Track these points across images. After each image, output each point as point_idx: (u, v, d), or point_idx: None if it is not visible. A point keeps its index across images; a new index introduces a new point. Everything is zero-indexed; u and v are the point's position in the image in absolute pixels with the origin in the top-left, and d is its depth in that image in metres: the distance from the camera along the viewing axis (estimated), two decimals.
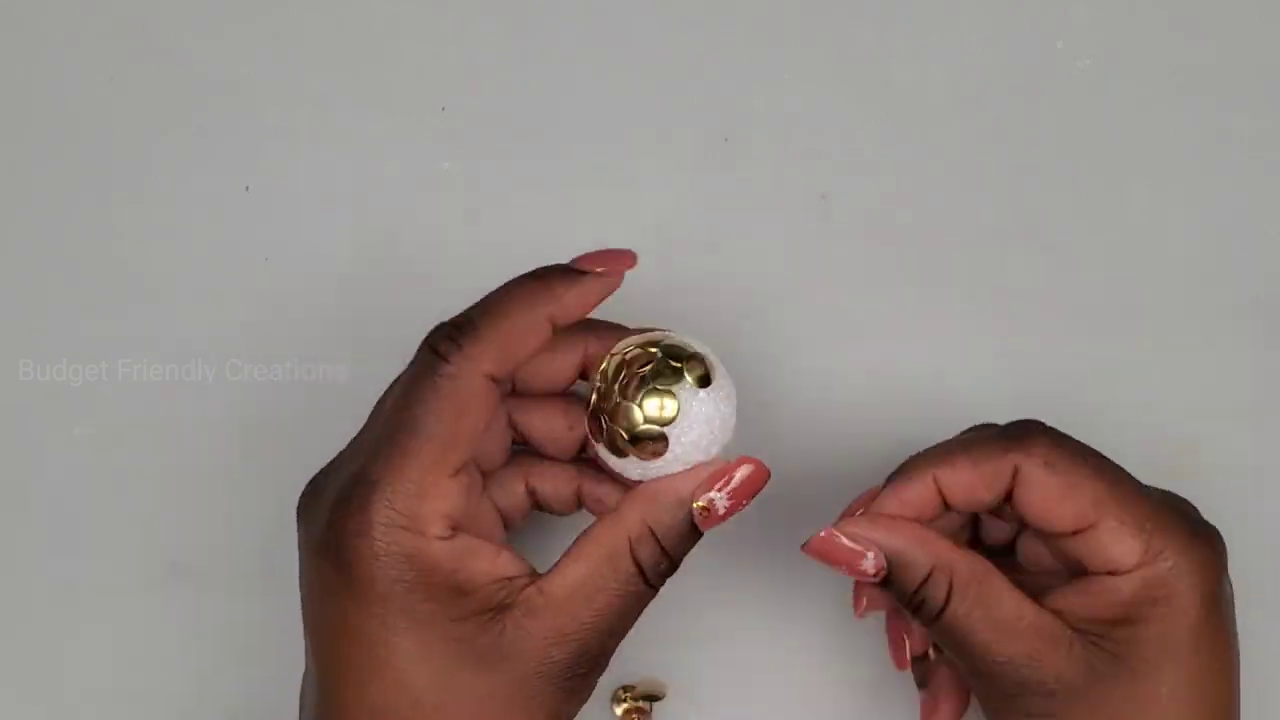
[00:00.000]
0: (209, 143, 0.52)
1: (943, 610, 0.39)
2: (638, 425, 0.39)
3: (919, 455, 0.41)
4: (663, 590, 0.51)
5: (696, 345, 0.41)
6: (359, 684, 0.38)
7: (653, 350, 0.40)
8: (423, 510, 0.37)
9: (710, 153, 0.52)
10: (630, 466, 0.40)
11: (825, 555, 0.40)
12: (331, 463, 0.41)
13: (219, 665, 0.50)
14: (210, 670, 0.50)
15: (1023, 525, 0.42)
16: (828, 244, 0.51)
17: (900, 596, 0.40)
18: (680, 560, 0.40)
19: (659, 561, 0.39)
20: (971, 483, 0.40)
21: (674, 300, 0.50)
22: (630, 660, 0.50)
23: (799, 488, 0.50)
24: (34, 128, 0.53)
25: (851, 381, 0.50)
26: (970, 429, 0.43)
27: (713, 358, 0.41)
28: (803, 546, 0.40)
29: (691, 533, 0.40)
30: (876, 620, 0.50)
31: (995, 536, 0.44)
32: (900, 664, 0.45)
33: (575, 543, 0.39)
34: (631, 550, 0.39)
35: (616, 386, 0.39)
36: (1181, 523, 0.39)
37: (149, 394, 0.51)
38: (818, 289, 0.51)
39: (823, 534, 0.40)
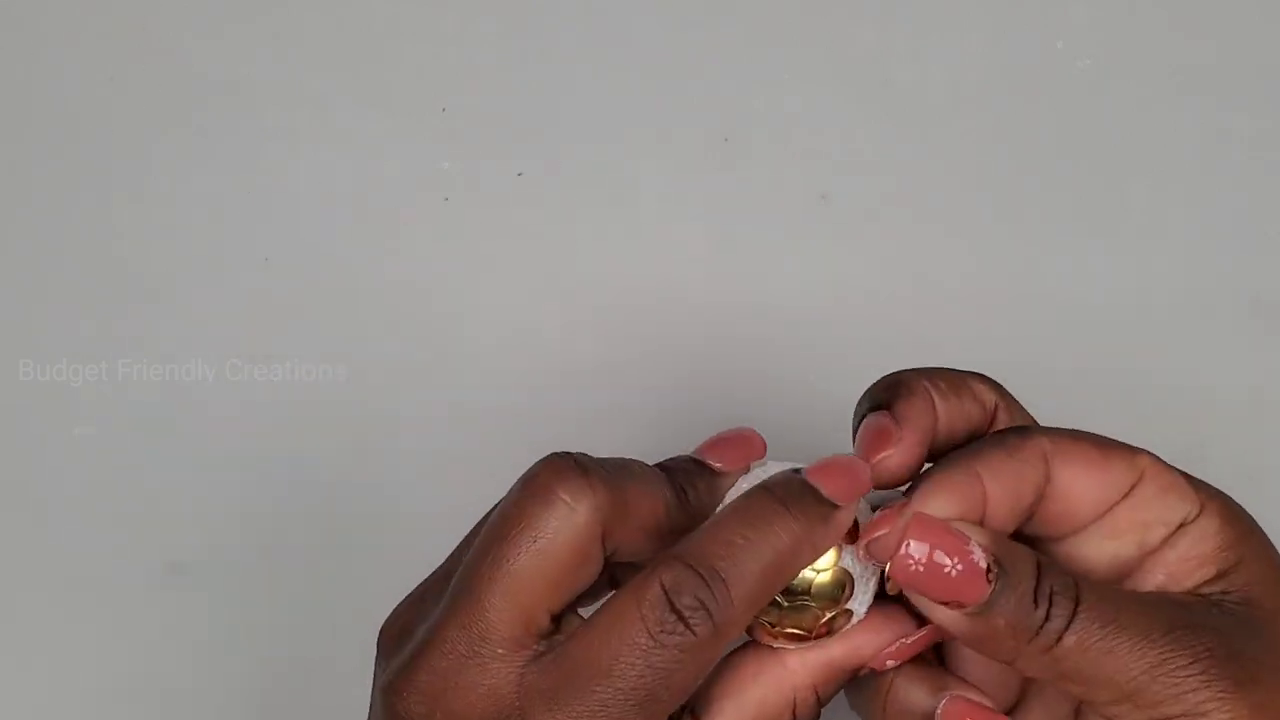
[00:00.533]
0: (209, 143, 0.52)
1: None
2: (810, 612, 0.34)
3: (951, 458, 0.36)
4: None
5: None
6: None
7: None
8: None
9: (710, 153, 0.52)
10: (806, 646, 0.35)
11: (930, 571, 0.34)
12: (421, 592, 0.36)
13: (219, 665, 0.50)
14: (210, 670, 0.50)
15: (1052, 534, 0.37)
16: (828, 244, 0.51)
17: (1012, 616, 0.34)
18: None
19: (812, 717, 0.35)
20: (1016, 475, 0.35)
21: (674, 301, 0.50)
22: None
23: None
24: (34, 128, 0.53)
25: (851, 381, 0.50)
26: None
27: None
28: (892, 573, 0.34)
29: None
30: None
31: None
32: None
33: (728, 680, 0.34)
34: (795, 713, 0.35)
35: None
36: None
37: (149, 394, 0.51)
38: (818, 289, 0.51)
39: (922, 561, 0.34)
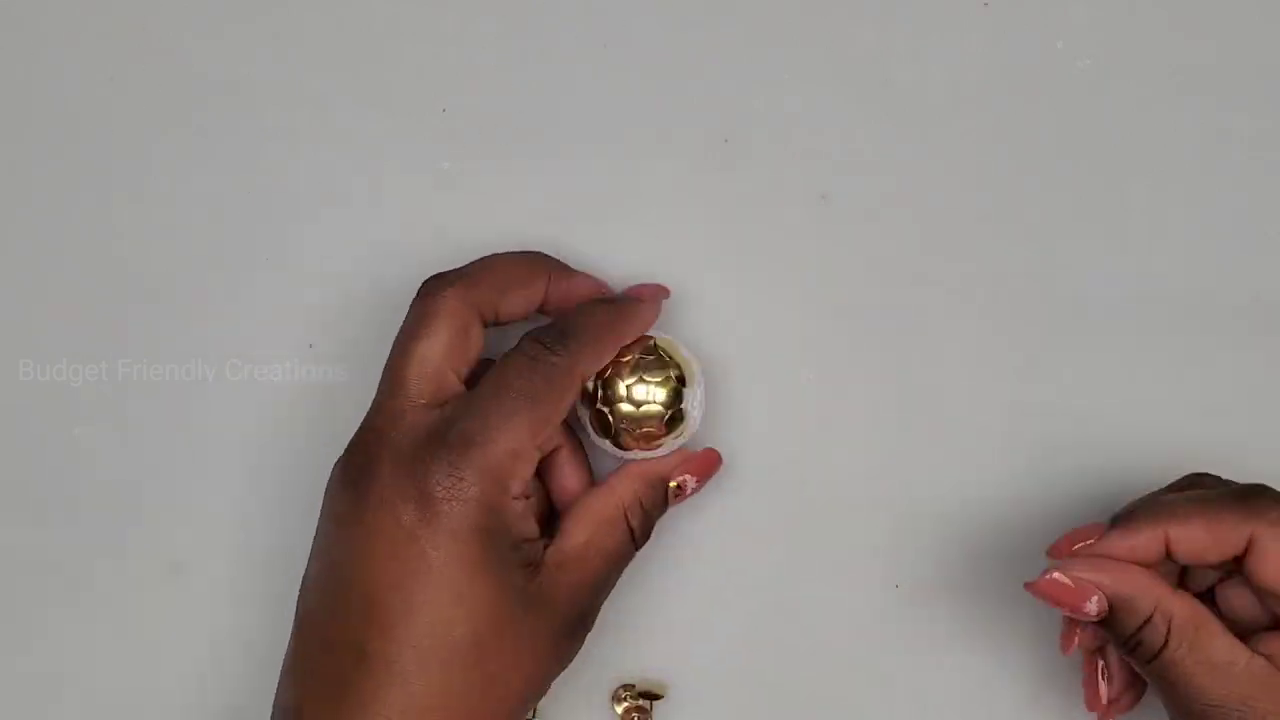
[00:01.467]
0: (209, 143, 0.52)
1: (1160, 652, 0.41)
2: (642, 418, 0.47)
3: (1148, 504, 0.43)
4: (665, 588, 0.51)
5: (682, 350, 0.48)
6: (417, 609, 0.42)
7: (648, 357, 0.47)
8: (515, 472, 0.43)
9: (710, 153, 0.52)
10: (629, 455, 0.48)
11: (1051, 596, 0.42)
12: (418, 420, 0.44)
13: (219, 665, 0.50)
14: (210, 670, 0.50)
15: (1242, 580, 0.43)
16: (828, 244, 0.51)
17: (1117, 638, 0.43)
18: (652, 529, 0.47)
19: (644, 527, 0.47)
20: (1205, 545, 0.42)
21: (674, 300, 0.50)
22: (630, 660, 0.50)
23: (798, 489, 0.50)
24: (34, 128, 0.53)
25: (851, 381, 0.50)
26: (1195, 481, 0.45)
27: (694, 362, 0.48)
28: (1028, 585, 0.43)
29: (665, 505, 0.48)
30: (881, 623, 0.50)
31: (1198, 581, 0.45)
32: (1093, 706, 0.46)
33: (574, 511, 0.46)
34: (626, 517, 0.46)
35: (620, 385, 0.47)
36: None
37: (149, 394, 0.51)
38: (818, 289, 0.51)
39: (1052, 576, 0.42)
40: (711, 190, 0.52)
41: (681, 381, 0.47)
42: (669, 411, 0.47)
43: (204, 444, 0.51)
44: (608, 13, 0.52)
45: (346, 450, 0.44)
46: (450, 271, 0.46)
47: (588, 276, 0.49)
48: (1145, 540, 0.42)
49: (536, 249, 0.49)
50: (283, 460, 0.51)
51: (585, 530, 0.45)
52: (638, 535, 0.47)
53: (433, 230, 0.51)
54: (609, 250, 0.51)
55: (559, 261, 0.49)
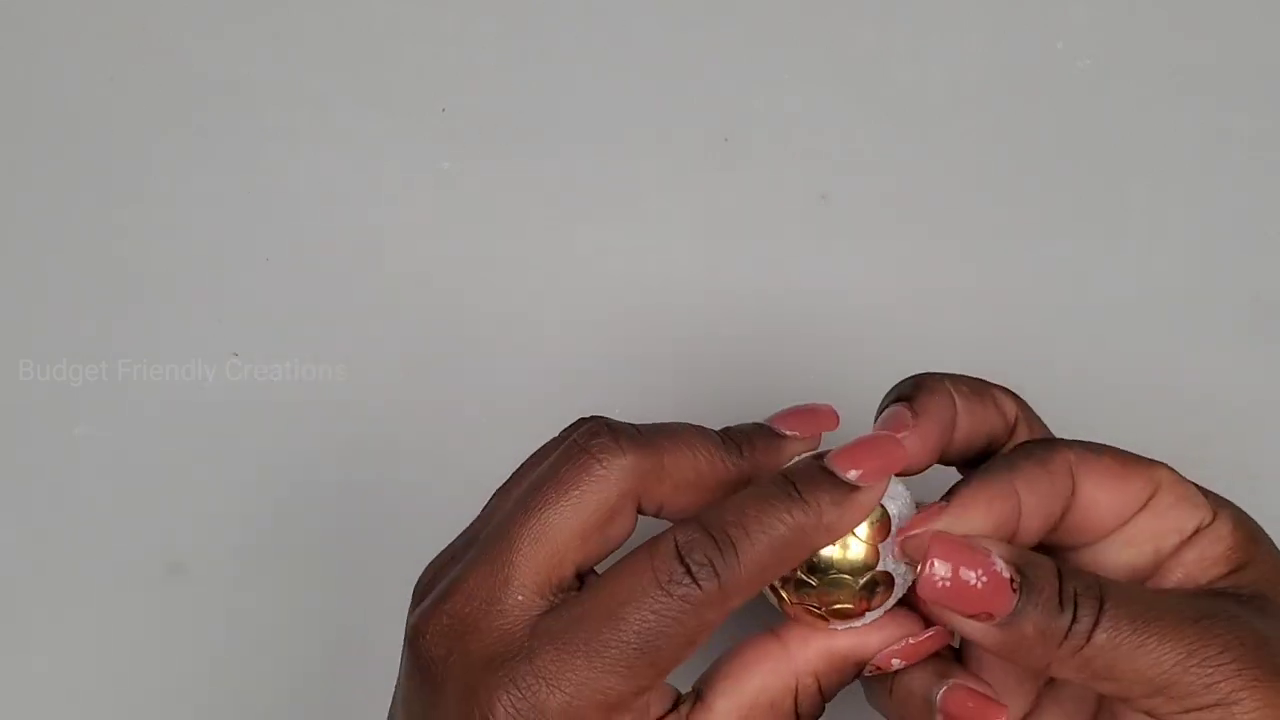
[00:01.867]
0: (209, 143, 0.52)
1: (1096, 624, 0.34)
2: (827, 592, 0.35)
3: (986, 469, 0.36)
4: None
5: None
6: None
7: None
8: None
9: (710, 153, 0.52)
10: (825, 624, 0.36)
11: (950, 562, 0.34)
12: (452, 546, 0.38)
13: (219, 665, 0.50)
14: (210, 670, 0.50)
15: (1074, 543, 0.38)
16: (828, 244, 0.51)
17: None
18: None
19: (815, 713, 0.36)
20: (1048, 488, 0.36)
21: (674, 300, 0.50)
22: None
23: None
24: (34, 128, 0.52)
25: (852, 381, 0.50)
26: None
27: (897, 492, 0.36)
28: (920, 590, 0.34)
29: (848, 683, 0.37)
30: None
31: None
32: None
33: (727, 669, 0.36)
34: (796, 701, 0.36)
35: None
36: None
37: (149, 394, 0.51)
38: (818, 289, 0.51)
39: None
40: (711, 190, 0.52)
41: (884, 528, 0.35)
42: (866, 576, 0.35)
43: (204, 444, 0.51)
44: (608, 13, 0.52)
45: (429, 609, 0.35)
46: (623, 427, 0.36)
47: (798, 437, 0.38)
48: (1000, 491, 0.35)
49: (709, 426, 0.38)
50: (282, 460, 0.51)
51: (737, 708, 0.35)
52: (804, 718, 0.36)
53: (433, 230, 0.51)
54: (609, 250, 0.51)
55: (766, 436, 0.38)
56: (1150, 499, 0.37)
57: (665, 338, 0.51)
